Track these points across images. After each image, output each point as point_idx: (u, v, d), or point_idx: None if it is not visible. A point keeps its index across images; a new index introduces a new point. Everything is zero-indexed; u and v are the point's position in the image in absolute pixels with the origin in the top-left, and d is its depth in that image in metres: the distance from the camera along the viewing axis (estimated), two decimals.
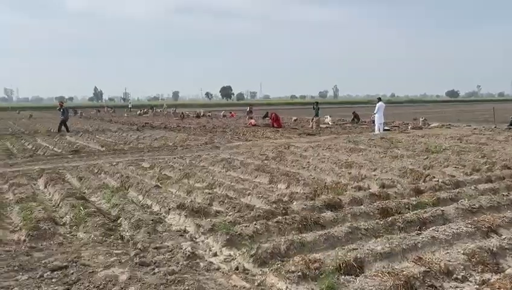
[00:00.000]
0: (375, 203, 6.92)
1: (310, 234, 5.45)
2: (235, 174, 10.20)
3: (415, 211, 6.40)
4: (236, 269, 4.72)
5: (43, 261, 4.82)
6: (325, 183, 8.77)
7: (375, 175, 9.57)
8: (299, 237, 5.28)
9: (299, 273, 4.31)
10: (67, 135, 22.45)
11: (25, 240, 5.70)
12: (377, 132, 21.25)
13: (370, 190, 7.92)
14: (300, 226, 5.86)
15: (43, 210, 6.91)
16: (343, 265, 4.50)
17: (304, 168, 10.73)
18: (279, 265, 4.62)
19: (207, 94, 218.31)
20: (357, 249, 4.90)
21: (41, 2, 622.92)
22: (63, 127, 24.51)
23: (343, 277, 4.23)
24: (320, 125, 25.63)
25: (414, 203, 6.90)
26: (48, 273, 4.49)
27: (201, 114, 43.46)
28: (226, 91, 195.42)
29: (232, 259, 5.02)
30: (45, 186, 9.17)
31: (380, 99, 22.76)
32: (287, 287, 4.23)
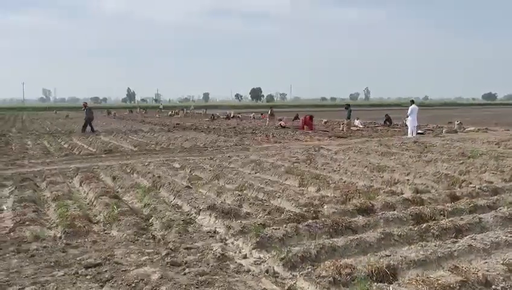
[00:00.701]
0: (408, 209, 6.75)
1: (341, 239, 5.37)
2: (265, 176, 10.18)
3: (451, 218, 6.20)
4: (266, 272, 4.70)
5: (78, 258, 4.95)
6: (357, 187, 8.64)
7: (408, 180, 9.34)
8: (330, 242, 5.21)
9: (330, 278, 4.25)
10: (101, 135, 22.99)
11: (60, 237, 5.87)
12: (410, 135, 20.78)
13: (403, 195, 7.74)
14: (331, 230, 5.78)
15: (78, 208, 7.11)
16: (376, 272, 4.40)
17: (335, 171, 10.60)
18: (309, 269, 4.57)
19: (237, 96, 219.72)
20: (390, 255, 4.79)
21: (79, 4, 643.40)
22: (88, 127, 24.84)
23: (375, 284, 4.14)
24: (351, 128, 25.29)
25: (449, 209, 6.69)
26: (83, 270, 4.60)
27: (232, 115, 43.70)
28: (256, 93, 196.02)
29: (262, 262, 5.00)
30: (80, 185, 9.43)
31: (413, 102, 22.26)
32: None
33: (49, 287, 4.17)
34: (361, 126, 27.95)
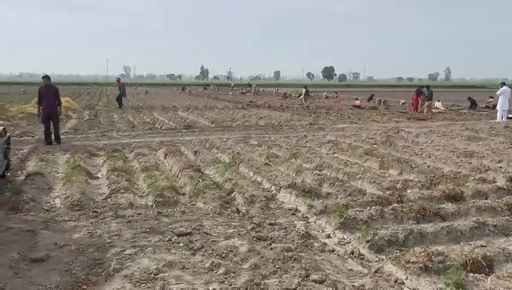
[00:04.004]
0: (503, 198, 6.31)
1: (430, 225, 5.17)
2: (343, 157, 10.03)
3: None
4: (352, 253, 4.67)
5: (169, 226, 5.25)
6: (442, 172, 8.22)
7: (500, 167, 8.70)
8: (419, 227, 5.04)
9: (421, 265, 4.12)
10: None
11: (152, 206, 6.25)
12: (499, 119, 19.25)
13: (496, 184, 7.24)
14: (418, 215, 5.59)
15: (165, 179, 7.50)
16: (470, 262, 4.20)
17: (417, 155, 10.16)
18: (397, 254, 4.47)
19: (308, 74, 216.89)
20: (485, 246, 4.54)
21: None
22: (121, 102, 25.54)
23: (471, 274, 3.95)
24: (432, 110, 23.96)
25: None
26: (175, 237, 4.87)
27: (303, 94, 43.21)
28: (328, 72, 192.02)
29: (347, 243, 4.97)
30: (165, 157, 9.92)
31: (504, 84, 20.48)
32: (407, 277, 4.08)
33: (147, 251, 4.48)
34: (442, 108, 26.37)
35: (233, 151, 10.30)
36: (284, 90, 54.97)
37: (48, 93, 11.66)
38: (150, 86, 75.56)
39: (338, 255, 4.63)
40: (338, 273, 4.14)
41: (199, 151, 10.42)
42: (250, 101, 33.08)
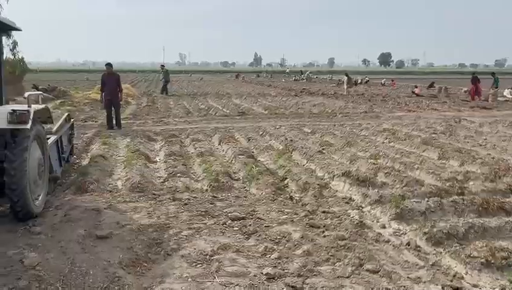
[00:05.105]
0: None
1: (494, 220, 4.92)
2: (399, 146, 9.72)
3: None
4: (408, 244, 4.55)
5: (224, 210, 5.38)
6: (508, 164, 7.74)
7: None
8: (481, 221, 4.81)
9: (483, 260, 3.96)
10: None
11: (207, 190, 6.42)
12: None
13: None
14: (480, 209, 5.33)
15: (220, 165, 7.66)
16: None
17: (481, 145, 9.65)
18: (457, 248, 4.31)
19: (364, 61, 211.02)
20: None
21: None
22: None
23: None
24: (498, 99, 22.55)
25: None
26: (229, 221, 4.99)
27: (359, 81, 42.18)
28: (385, 58, 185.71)
29: (402, 234, 4.86)
30: (219, 143, 10.11)
31: None
32: (466, 272, 3.93)
33: (202, 233, 4.63)
34: (510, 96, 24.72)
35: (286, 139, 10.31)
36: (339, 77, 53.86)
37: (110, 80, 12.23)
38: (204, 74, 76.93)
39: (393, 246, 4.54)
40: (393, 264, 4.06)
41: (252, 138, 10.53)
42: (303, 89, 32.77)
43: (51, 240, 4.36)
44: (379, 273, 3.81)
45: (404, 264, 4.09)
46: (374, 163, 7.75)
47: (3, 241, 4.27)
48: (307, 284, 3.58)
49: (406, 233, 4.84)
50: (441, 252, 4.33)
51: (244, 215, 5.16)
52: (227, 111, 17.09)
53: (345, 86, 28.43)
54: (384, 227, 5.07)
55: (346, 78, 29.41)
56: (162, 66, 27.51)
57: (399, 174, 7.00)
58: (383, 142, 10.21)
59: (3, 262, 3.72)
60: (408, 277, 3.80)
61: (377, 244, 4.53)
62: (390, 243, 4.61)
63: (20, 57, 22.33)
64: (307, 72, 56.45)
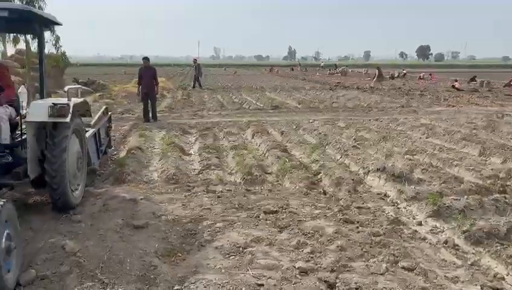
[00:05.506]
0: None
1: None
2: (438, 141, 9.45)
3: None
4: (445, 243, 4.43)
5: (257, 204, 5.39)
6: None
7: None
8: None
9: None
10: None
11: (240, 183, 6.46)
12: None
13: None
14: None
15: (253, 158, 7.69)
16: None
17: None
18: (497, 248, 4.16)
19: (401, 54, 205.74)
20: None
21: None
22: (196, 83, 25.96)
23: None
24: None
25: None
26: (263, 214, 5.00)
27: (396, 75, 41.18)
28: (423, 51, 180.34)
29: (440, 231, 4.73)
30: (252, 137, 10.14)
31: None
32: (508, 273, 3.79)
33: (236, 225, 4.67)
34: None
35: (320, 133, 10.22)
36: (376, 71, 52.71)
37: (147, 74, 12.48)
38: (238, 67, 77.18)
39: (430, 243, 4.43)
40: (429, 262, 3.96)
41: (286, 132, 10.50)
42: (338, 82, 32.31)
43: (90, 228, 4.52)
44: (415, 271, 3.73)
45: (441, 263, 3.99)
46: (410, 159, 7.57)
47: (46, 229, 4.47)
48: (340, 279, 3.54)
49: (443, 231, 4.71)
50: (480, 252, 4.20)
51: (277, 209, 5.16)
52: (261, 105, 17.09)
53: (375, 80, 27.83)
54: (420, 224, 4.95)
55: (377, 71, 28.84)
56: (195, 60, 27.85)
57: (437, 171, 6.82)
58: (420, 138, 9.95)
59: (47, 248, 3.89)
60: (445, 276, 3.70)
61: (413, 242, 4.43)
62: (426, 240, 4.50)
63: (62, 51, 23.13)
64: (344, 68, 55.61)
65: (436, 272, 3.74)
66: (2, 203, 3.19)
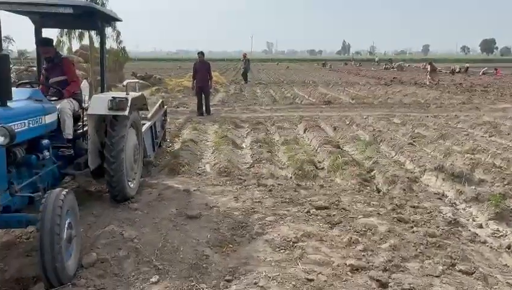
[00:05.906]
0: None
1: None
2: (502, 141, 8.91)
3: None
4: (508, 247, 4.18)
5: (308, 199, 5.36)
6: None
7: None
8: None
9: None
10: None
11: (291, 177, 6.46)
12: None
13: None
14: None
15: (304, 153, 7.64)
16: None
17: None
18: None
19: (463, 48, 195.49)
20: None
21: None
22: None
23: None
24: None
25: None
26: (314, 210, 4.97)
27: (457, 70, 39.22)
28: (488, 45, 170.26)
29: (502, 235, 4.48)
30: (304, 132, 10.08)
31: None
32: None
33: (286, 219, 4.67)
34: None
35: (374, 129, 9.96)
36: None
37: (201, 69, 12.74)
38: (291, 62, 76.80)
39: (491, 247, 4.20)
40: (490, 267, 3.76)
41: (338, 128, 10.34)
42: (393, 78, 31.30)
43: (146, 216, 4.71)
44: (473, 275, 3.55)
45: (503, 269, 3.78)
46: (471, 158, 7.18)
47: (106, 216, 4.70)
48: (393, 279, 3.45)
49: (506, 235, 4.45)
50: None
51: (329, 205, 5.11)
52: (313, 100, 16.93)
53: (428, 76, 26.25)
54: (481, 227, 4.71)
55: (429, 66, 27.02)
56: (244, 54, 28.13)
57: (500, 171, 6.44)
58: (483, 136, 9.43)
59: (107, 234, 4.10)
60: (507, 282, 3.50)
61: (472, 245, 4.22)
62: (487, 244, 4.27)
63: (121, 47, 24.11)
64: (399, 62, 53.67)
65: (497, 278, 3.55)
66: (64, 193, 3.31)
